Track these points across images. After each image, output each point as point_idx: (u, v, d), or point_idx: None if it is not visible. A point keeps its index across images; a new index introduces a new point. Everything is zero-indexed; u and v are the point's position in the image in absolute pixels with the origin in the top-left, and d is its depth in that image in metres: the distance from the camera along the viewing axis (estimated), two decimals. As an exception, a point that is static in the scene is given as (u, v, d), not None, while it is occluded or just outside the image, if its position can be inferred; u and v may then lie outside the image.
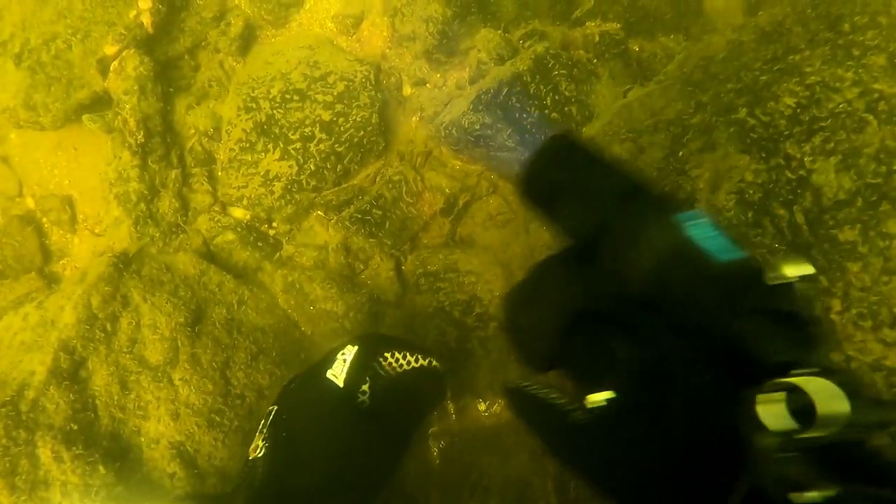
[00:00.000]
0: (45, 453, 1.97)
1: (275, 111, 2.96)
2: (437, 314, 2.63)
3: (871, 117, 1.66)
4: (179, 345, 2.28)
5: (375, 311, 2.72)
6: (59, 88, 2.93)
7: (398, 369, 1.76)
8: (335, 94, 2.99)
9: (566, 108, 2.77)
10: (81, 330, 2.19)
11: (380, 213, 2.83)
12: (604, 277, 1.11)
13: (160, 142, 2.98)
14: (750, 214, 1.68)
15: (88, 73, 2.93)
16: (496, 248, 2.75)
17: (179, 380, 2.23)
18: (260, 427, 1.68)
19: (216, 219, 2.94)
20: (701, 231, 1.03)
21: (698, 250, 1.00)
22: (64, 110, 2.93)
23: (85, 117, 2.98)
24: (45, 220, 3.16)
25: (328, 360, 1.74)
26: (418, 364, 1.76)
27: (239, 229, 2.91)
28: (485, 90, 2.75)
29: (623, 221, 1.09)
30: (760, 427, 0.79)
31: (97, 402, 2.13)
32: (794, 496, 0.75)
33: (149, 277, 2.40)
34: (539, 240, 2.58)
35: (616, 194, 1.14)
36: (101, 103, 3.01)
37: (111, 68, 2.93)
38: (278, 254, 2.92)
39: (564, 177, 1.22)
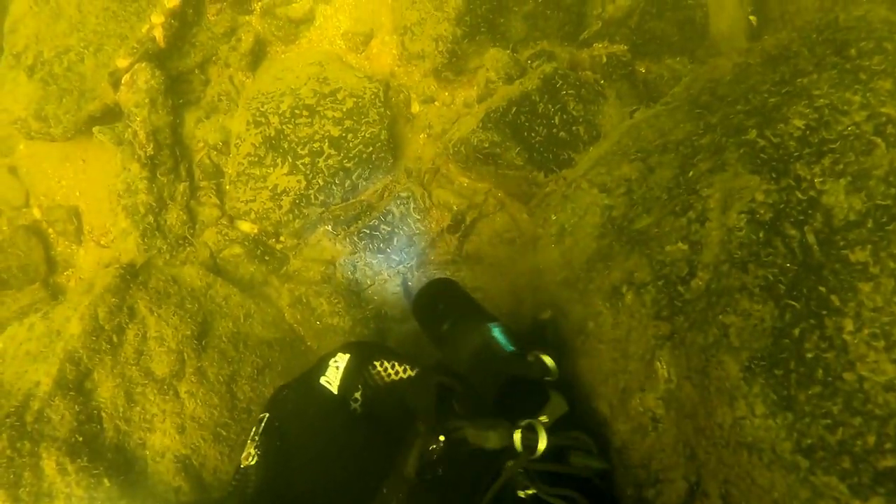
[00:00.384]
0: (49, 465, 1.95)
1: (284, 126, 2.99)
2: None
3: (879, 140, 1.68)
4: (186, 357, 2.27)
5: (381, 327, 2.72)
6: (70, 100, 2.95)
7: (386, 378, 1.81)
8: (344, 110, 3.01)
9: (574, 128, 2.80)
10: (87, 341, 2.17)
11: (388, 228, 2.84)
12: (448, 360, 2.02)
13: (169, 154, 3.00)
14: (761, 234, 1.69)
15: (100, 85, 2.96)
16: (503, 265, 2.76)
17: (185, 392, 2.22)
18: (251, 435, 1.69)
19: (223, 232, 2.95)
20: (498, 333, 1.93)
21: (497, 343, 1.90)
22: (75, 122, 2.95)
23: (95, 129, 3.00)
24: (50, 230, 3.17)
25: (320, 368, 1.78)
26: (406, 375, 1.81)
27: (246, 243, 2.92)
28: (494, 108, 2.78)
29: (457, 330, 2.05)
30: (512, 451, 1.52)
31: (102, 413, 2.11)
32: (519, 492, 1.49)
33: (155, 289, 2.39)
34: (545, 258, 2.58)
35: (457, 314, 2.10)
36: (111, 115, 3.04)
37: (123, 81, 2.96)
38: (285, 268, 2.93)
39: (439, 303, 2.18)
